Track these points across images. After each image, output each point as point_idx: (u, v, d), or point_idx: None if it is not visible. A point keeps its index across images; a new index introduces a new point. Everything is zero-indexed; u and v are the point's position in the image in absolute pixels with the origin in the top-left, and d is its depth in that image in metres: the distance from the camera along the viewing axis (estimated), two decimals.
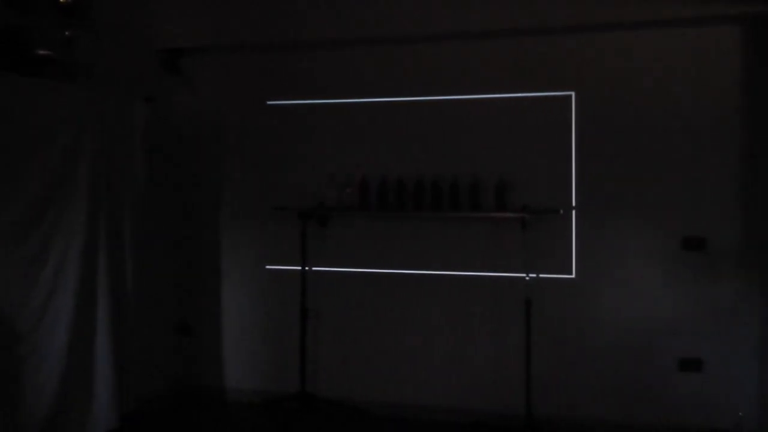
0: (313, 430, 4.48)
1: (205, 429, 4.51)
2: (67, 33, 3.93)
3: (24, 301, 3.62)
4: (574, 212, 4.39)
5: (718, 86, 4.21)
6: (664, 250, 4.27)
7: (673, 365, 4.24)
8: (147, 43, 4.87)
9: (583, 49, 4.40)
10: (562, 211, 4.33)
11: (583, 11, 4.23)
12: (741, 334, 4.16)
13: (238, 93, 5.02)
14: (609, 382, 4.33)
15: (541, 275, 4.34)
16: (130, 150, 4.31)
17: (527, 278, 4.22)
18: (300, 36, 4.73)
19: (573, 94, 4.39)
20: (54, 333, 3.75)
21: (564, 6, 4.25)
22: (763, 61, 4.15)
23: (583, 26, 4.33)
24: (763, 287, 4.13)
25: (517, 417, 4.28)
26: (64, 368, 3.77)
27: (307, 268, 4.69)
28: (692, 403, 4.21)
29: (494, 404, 4.47)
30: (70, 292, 3.83)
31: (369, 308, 4.75)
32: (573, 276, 4.38)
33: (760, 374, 4.12)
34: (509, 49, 4.51)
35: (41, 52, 3.84)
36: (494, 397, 4.48)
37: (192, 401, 4.93)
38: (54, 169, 3.78)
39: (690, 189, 4.24)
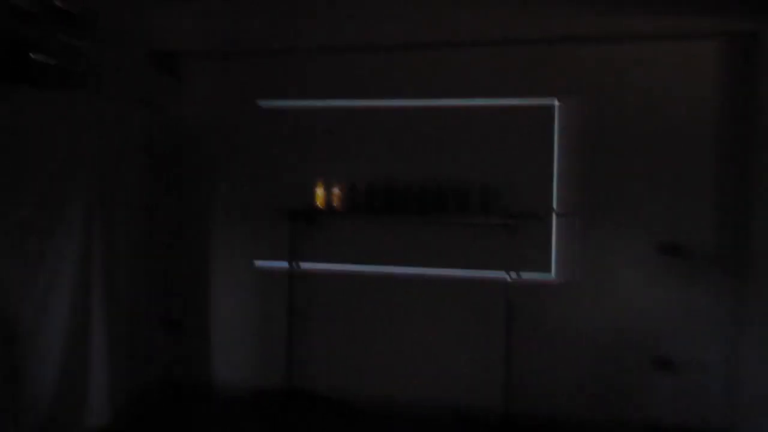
0: (300, 424, 4.60)
1: (194, 423, 4.60)
2: (72, 42, 3.97)
3: (22, 301, 3.68)
4: (554, 216, 4.53)
5: (697, 96, 4.36)
6: (643, 253, 4.42)
7: (649, 365, 4.41)
8: (144, 47, 4.91)
9: (565, 59, 4.53)
10: (546, 216, 4.49)
11: (567, 23, 4.38)
12: (714, 335, 4.33)
13: (231, 95, 5.07)
14: (586, 380, 4.50)
15: (522, 276, 4.48)
16: (125, 151, 4.38)
17: (509, 279, 4.37)
18: (295, 42, 4.81)
19: (556, 101, 4.53)
20: (51, 332, 3.82)
21: (549, 18, 4.40)
22: (739, 73, 4.30)
23: (566, 37, 4.45)
24: (737, 290, 4.29)
25: (496, 412, 4.46)
26: (61, 366, 3.85)
27: (294, 265, 4.79)
28: (666, 401, 4.39)
29: (476, 400, 4.61)
30: (66, 291, 3.91)
31: (356, 306, 4.87)
32: (553, 277, 4.54)
33: (730, 375, 4.31)
34: (494, 56, 4.63)
35: (43, 60, 3.88)
36: (476, 392, 4.62)
37: (182, 396, 5.01)
38: (54, 172, 3.85)
39: (668, 194, 4.40)
